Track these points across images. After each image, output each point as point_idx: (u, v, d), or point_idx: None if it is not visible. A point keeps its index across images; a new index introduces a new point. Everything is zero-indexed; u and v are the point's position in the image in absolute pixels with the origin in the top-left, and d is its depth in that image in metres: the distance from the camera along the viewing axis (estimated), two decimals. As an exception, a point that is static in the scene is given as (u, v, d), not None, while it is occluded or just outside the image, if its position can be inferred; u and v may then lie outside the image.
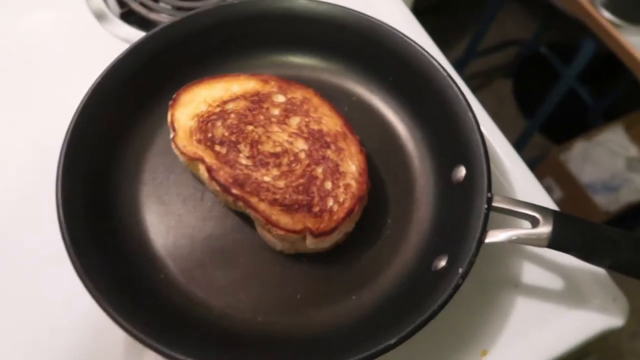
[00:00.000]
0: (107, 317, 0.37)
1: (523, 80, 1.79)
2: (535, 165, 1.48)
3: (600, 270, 0.47)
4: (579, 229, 0.39)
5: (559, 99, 1.33)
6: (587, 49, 1.17)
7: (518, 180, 0.51)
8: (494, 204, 0.41)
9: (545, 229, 0.39)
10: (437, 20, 1.77)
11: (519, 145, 1.49)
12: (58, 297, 0.45)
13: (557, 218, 0.40)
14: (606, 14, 1.05)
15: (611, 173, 1.38)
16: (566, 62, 1.27)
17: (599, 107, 1.54)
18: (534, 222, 0.40)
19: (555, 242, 0.39)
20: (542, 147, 1.64)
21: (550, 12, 1.71)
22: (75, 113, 0.45)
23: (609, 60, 1.50)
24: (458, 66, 1.65)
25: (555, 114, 1.42)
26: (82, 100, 0.46)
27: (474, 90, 0.54)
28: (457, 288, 0.38)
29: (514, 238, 0.40)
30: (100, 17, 0.63)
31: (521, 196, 0.49)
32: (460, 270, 0.38)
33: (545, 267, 0.47)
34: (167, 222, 0.46)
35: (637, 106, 1.48)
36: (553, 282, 0.47)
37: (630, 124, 1.45)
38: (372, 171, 0.49)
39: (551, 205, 0.49)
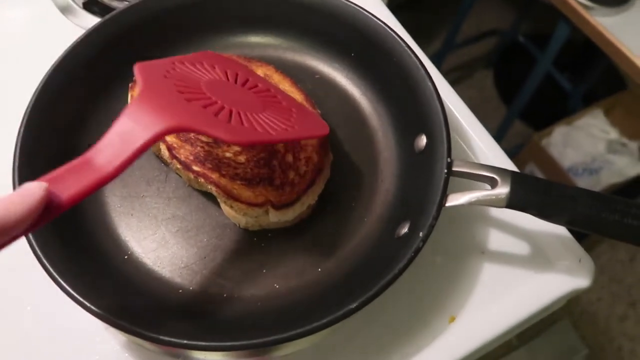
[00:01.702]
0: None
1: (503, 71, 1.81)
2: (518, 152, 1.49)
3: (565, 233, 0.47)
4: (537, 187, 0.39)
5: (536, 84, 1.34)
6: (561, 33, 1.18)
7: (481, 147, 0.51)
8: (454, 168, 0.41)
9: (503, 189, 0.39)
10: (413, 15, 1.79)
11: (501, 133, 1.50)
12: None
13: (514, 178, 0.40)
14: (576, -4, 1.06)
15: (592, 156, 1.39)
16: (544, 51, 1.28)
17: (577, 93, 1.55)
18: (493, 184, 0.40)
19: (513, 201, 0.39)
20: (524, 135, 1.65)
21: (526, 2, 1.73)
22: (33, 96, 0.45)
23: (586, 46, 1.52)
24: (437, 59, 1.66)
25: (535, 101, 1.44)
26: (39, 85, 0.45)
27: (455, 82, 0.55)
28: (417, 251, 0.38)
29: (473, 200, 0.40)
30: (64, 9, 0.63)
31: (484, 162, 0.49)
32: (421, 234, 0.38)
33: (512, 233, 0.47)
34: (131, 203, 0.46)
35: (615, 90, 1.49)
36: (519, 247, 0.47)
37: (609, 108, 1.46)
38: (336, 146, 0.49)
39: (513, 168, 0.49)
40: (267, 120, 0.38)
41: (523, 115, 1.59)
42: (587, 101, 1.54)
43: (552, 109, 1.64)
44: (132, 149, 0.29)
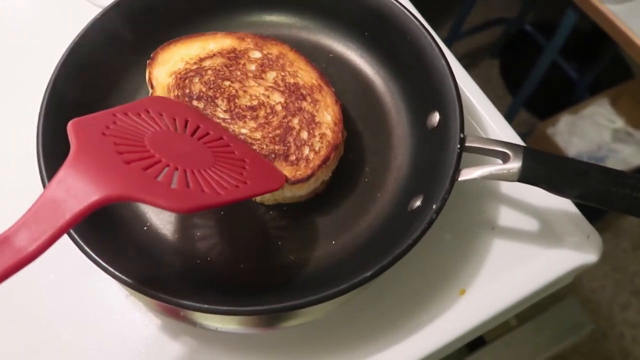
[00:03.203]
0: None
1: (509, 60, 1.81)
2: (523, 141, 1.49)
3: (574, 210, 0.48)
4: (548, 162, 0.40)
5: (542, 73, 1.34)
6: (568, 20, 1.18)
7: (490, 124, 0.52)
8: (467, 143, 0.42)
9: (515, 163, 0.40)
10: (419, 3, 1.78)
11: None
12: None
13: (526, 153, 0.40)
14: (585, -17, 1.06)
15: (597, 145, 1.40)
16: (551, 39, 1.28)
17: (584, 83, 1.55)
18: (505, 158, 0.41)
19: (525, 175, 0.40)
20: (530, 124, 1.65)
21: (533, -10, 1.72)
22: (53, 74, 0.45)
23: (593, 35, 1.52)
24: (444, 47, 1.66)
25: (541, 90, 1.44)
26: (59, 62, 0.46)
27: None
28: (431, 223, 0.39)
29: (486, 174, 0.41)
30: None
31: (493, 138, 0.50)
32: (435, 206, 0.39)
33: (521, 210, 0.48)
34: (149, 178, 0.47)
35: (622, 79, 1.49)
36: (529, 223, 0.48)
37: (616, 97, 1.46)
38: (350, 123, 0.50)
39: (520, 143, 0.50)
40: (215, 177, 0.36)
41: (528, 104, 1.59)
42: (593, 90, 1.54)
43: (558, 97, 1.64)
44: (58, 224, 0.26)
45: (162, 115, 0.39)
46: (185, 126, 0.40)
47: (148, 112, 0.38)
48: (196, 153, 0.37)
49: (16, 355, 0.44)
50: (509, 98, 1.71)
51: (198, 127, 0.41)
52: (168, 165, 0.33)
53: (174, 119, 0.39)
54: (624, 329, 1.42)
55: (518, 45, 1.79)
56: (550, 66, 1.34)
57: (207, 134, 0.41)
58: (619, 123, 1.44)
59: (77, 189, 0.27)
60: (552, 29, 1.28)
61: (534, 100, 1.51)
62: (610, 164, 1.37)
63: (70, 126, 0.31)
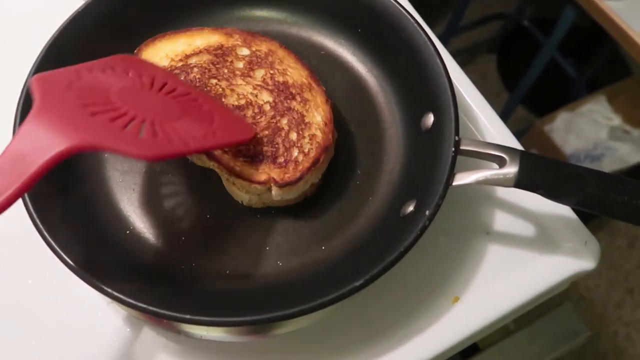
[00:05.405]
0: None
1: (507, 56, 1.79)
2: (520, 138, 1.48)
3: (571, 215, 0.47)
4: (546, 167, 0.39)
5: (540, 69, 1.32)
6: (567, 17, 1.17)
7: (487, 126, 0.50)
8: (462, 147, 0.40)
9: (512, 168, 0.39)
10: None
11: (503, 118, 1.48)
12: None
13: (523, 157, 0.39)
14: (584, -22, 1.04)
15: (594, 143, 1.39)
16: (549, 36, 1.26)
17: (581, 79, 1.53)
18: (501, 163, 0.39)
19: (522, 181, 0.38)
20: (527, 120, 1.64)
21: (531, -15, 1.70)
22: (33, 66, 0.44)
23: (591, 32, 1.50)
24: (440, 43, 1.64)
25: (538, 87, 1.42)
26: (38, 57, 0.44)
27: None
28: (423, 230, 0.38)
29: (481, 179, 0.39)
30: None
31: (491, 141, 0.49)
32: (427, 213, 0.38)
33: (517, 214, 0.47)
34: (132, 178, 0.45)
35: (619, 77, 1.48)
36: (525, 228, 0.46)
37: (613, 95, 1.45)
38: (341, 123, 0.48)
39: (519, 148, 0.48)
40: (185, 128, 0.36)
41: (525, 100, 1.57)
42: (591, 88, 1.53)
43: (555, 94, 1.63)
44: (23, 177, 0.26)
45: (128, 72, 0.38)
46: (152, 84, 0.39)
47: (114, 69, 0.37)
48: (164, 106, 0.37)
49: (-7, 363, 0.42)
50: (506, 94, 1.70)
51: (165, 84, 0.40)
52: (135, 117, 0.33)
53: (141, 76, 0.39)
54: (618, 327, 1.41)
55: (516, 40, 1.77)
56: (547, 63, 1.32)
57: (175, 89, 0.40)
58: (616, 121, 1.43)
59: (42, 141, 0.27)
60: (550, 25, 1.26)
61: (531, 96, 1.49)
62: (607, 162, 1.36)
63: (32, 81, 0.31)
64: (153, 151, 0.32)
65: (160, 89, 0.39)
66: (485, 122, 0.50)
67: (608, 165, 1.36)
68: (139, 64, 0.41)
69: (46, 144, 0.27)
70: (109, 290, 0.36)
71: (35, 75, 0.32)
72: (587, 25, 1.41)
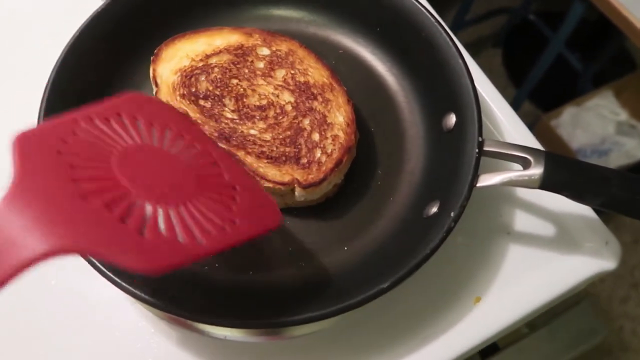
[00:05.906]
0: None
1: (512, 50, 1.78)
2: (526, 133, 1.47)
3: (592, 215, 0.47)
4: (571, 168, 0.39)
5: (548, 64, 1.32)
6: (576, 11, 1.16)
7: (507, 126, 0.50)
8: (485, 148, 0.40)
9: (537, 170, 0.39)
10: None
11: (510, 113, 1.48)
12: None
13: (548, 158, 0.39)
14: (594, -27, 1.03)
15: (601, 137, 1.38)
16: (555, 30, 1.26)
17: (588, 74, 1.53)
18: (526, 164, 0.39)
19: (547, 182, 0.38)
20: (533, 115, 1.63)
21: (538, -21, 1.69)
22: (53, 70, 0.43)
23: (597, 26, 1.50)
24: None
25: (545, 81, 1.42)
26: (59, 58, 0.44)
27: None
28: (449, 231, 0.38)
29: (506, 180, 0.39)
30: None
31: (511, 141, 0.49)
32: (452, 214, 0.38)
33: (538, 214, 0.47)
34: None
35: (626, 71, 1.48)
36: (546, 228, 0.46)
37: (620, 89, 1.45)
38: (361, 123, 0.48)
39: (540, 147, 0.48)
40: (198, 215, 0.29)
41: (532, 95, 1.57)
42: (597, 82, 1.52)
43: (562, 89, 1.63)
44: None
45: (136, 119, 0.32)
46: (164, 134, 0.33)
47: (120, 116, 0.31)
48: (174, 178, 0.31)
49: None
50: (512, 89, 1.69)
51: (181, 136, 0.34)
52: (137, 200, 0.27)
53: (151, 125, 0.33)
54: (624, 322, 1.42)
55: (521, 34, 1.77)
56: (554, 57, 1.32)
57: (192, 146, 0.33)
58: (623, 115, 1.43)
59: (13, 237, 0.21)
60: (556, 19, 1.26)
61: (537, 91, 1.49)
62: (614, 156, 1.36)
63: (15, 143, 0.24)
64: (156, 261, 0.25)
65: (173, 143, 0.33)
66: (504, 121, 0.50)
67: (615, 160, 1.36)
68: (150, 107, 0.35)
69: (18, 241, 0.21)
70: (136, 291, 0.36)
71: (20, 134, 0.25)
72: (594, 19, 1.40)
